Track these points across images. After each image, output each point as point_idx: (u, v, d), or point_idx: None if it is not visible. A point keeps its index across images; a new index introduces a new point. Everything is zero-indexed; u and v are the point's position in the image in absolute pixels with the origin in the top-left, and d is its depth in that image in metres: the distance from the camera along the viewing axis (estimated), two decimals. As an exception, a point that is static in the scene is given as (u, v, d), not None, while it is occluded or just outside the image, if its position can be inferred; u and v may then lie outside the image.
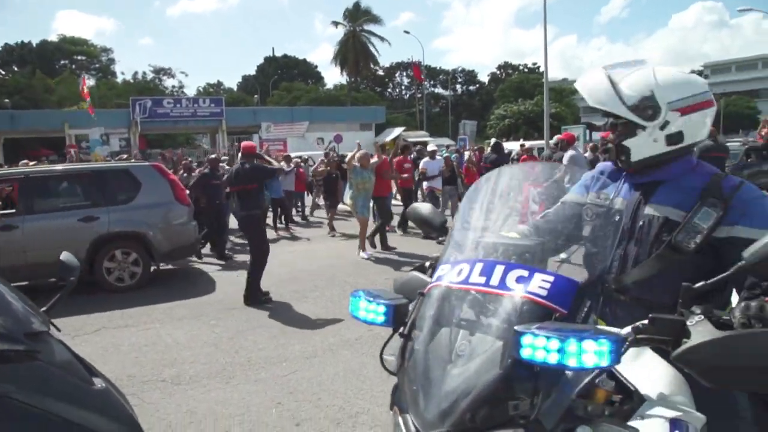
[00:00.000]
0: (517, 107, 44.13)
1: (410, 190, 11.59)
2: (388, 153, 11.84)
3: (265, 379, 4.20)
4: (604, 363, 1.11)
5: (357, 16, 46.50)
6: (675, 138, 1.67)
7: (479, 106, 64.78)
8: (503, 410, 1.22)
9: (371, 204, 9.64)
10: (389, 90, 73.98)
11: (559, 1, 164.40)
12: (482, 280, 1.38)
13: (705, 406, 1.36)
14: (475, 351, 1.32)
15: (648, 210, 1.70)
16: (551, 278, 1.35)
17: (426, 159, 11.81)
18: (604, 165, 1.94)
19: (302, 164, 15.40)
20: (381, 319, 1.56)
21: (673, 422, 1.25)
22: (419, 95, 48.79)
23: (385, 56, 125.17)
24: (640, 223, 1.71)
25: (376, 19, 47.01)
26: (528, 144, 15.21)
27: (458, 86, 74.27)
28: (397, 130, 35.62)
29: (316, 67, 77.84)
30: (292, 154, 16.95)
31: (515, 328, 1.16)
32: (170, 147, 51.96)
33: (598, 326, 1.30)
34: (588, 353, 1.10)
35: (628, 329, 1.25)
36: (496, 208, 1.74)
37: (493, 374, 1.24)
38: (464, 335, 1.36)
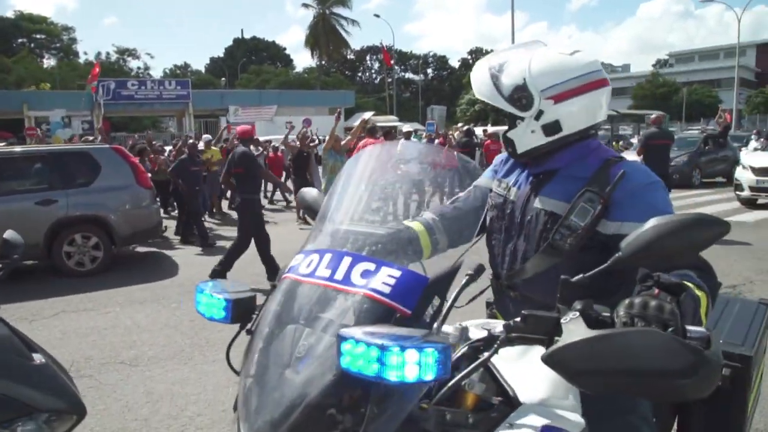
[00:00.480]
0: (486, 93, 44.35)
1: None
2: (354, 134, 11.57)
3: (223, 360, 4.23)
4: (429, 377, 0.95)
5: (326, -2, 46.08)
6: (551, 128, 1.55)
7: (449, 92, 64.99)
8: (330, 423, 1.07)
9: None
10: (360, 74, 73.64)
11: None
12: (327, 273, 1.22)
13: (598, 405, 1.26)
14: (312, 354, 1.15)
15: (536, 203, 1.59)
16: (398, 273, 1.18)
17: (402, 141, 11.52)
18: None
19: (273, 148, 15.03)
20: (221, 314, 1.40)
21: (545, 430, 1.14)
22: (390, 80, 48.69)
23: (356, 40, 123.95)
24: (528, 217, 1.61)
25: (345, 2, 46.58)
26: (492, 129, 15.35)
27: (429, 71, 74.34)
28: (367, 114, 35.57)
29: (285, 49, 76.87)
30: (261, 138, 16.73)
31: (339, 332, 1.00)
32: (136, 130, 50.92)
33: (438, 332, 1.11)
34: (410, 365, 0.94)
35: (499, 327, 1.14)
36: (359, 191, 1.54)
37: (325, 381, 1.08)
38: (307, 335, 1.18)
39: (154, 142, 13.95)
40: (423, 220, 1.73)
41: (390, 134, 11.75)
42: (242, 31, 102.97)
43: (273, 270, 6.42)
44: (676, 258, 1.10)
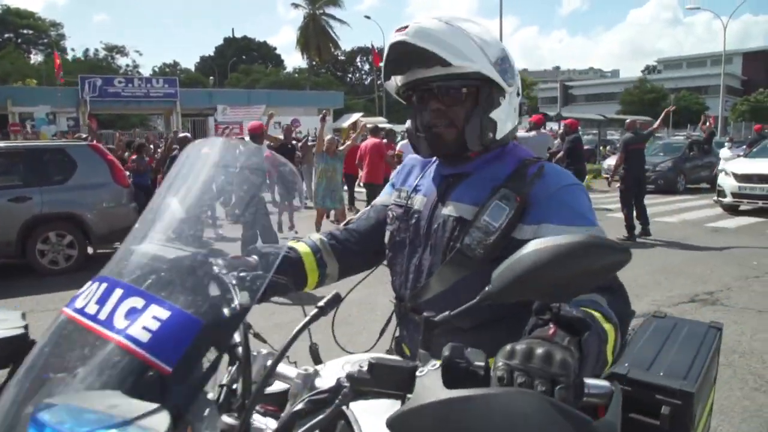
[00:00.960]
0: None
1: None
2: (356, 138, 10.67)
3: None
4: None
5: (317, -2, 46.00)
6: (520, 108, 1.40)
7: (439, 95, 64.99)
8: None
9: (343, 193, 9.21)
10: (350, 75, 73.58)
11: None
12: (94, 309, 0.91)
13: None
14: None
15: (444, 209, 1.37)
16: (166, 314, 0.86)
17: (404, 141, 9.96)
18: (413, 155, 1.55)
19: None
20: None
21: None
22: (379, 81, 48.71)
23: (347, 41, 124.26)
24: (435, 225, 1.38)
25: (336, 2, 46.53)
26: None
27: (419, 74, 74.24)
28: (355, 116, 35.45)
29: (276, 49, 76.70)
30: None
31: (35, 410, 0.72)
32: (123, 128, 50.50)
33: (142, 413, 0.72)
34: None
35: (342, 376, 0.90)
36: (173, 199, 1.12)
37: None
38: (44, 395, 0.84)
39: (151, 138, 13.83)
40: (308, 241, 1.51)
41: (378, 131, 10.83)
42: (233, 30, 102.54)
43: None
44: (564, 291, 0.83)
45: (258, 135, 7.10)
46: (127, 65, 66.51)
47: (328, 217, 9.62)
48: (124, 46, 65.28)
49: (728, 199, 11.50)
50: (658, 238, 8.85)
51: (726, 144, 12.24)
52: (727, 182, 11.43)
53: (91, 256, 7.74)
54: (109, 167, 7.71)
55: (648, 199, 13.63)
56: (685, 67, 74.19)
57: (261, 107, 36.86)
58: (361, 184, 10.62)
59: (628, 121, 10.14)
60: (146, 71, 68.67)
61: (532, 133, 9.01)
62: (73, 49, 67.36)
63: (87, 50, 66.22)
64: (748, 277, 6.48)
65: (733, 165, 11.66)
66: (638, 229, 8.95)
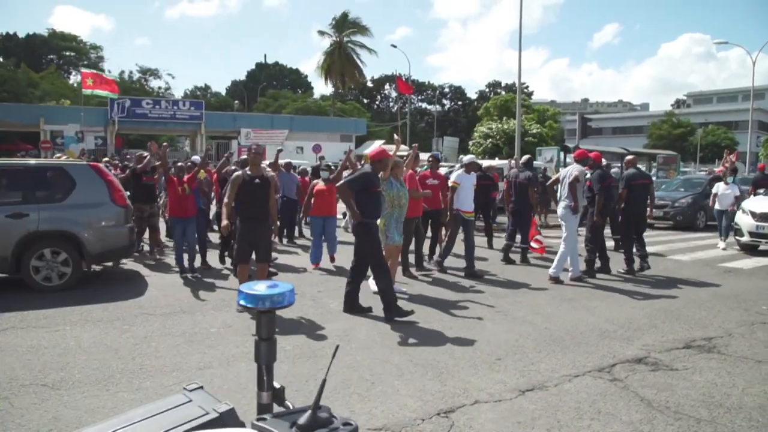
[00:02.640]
0: (500, 126, 44.37)
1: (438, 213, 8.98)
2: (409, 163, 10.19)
3: (147, 388, 4.07)
4: None
5: (344, 26, 46.60)
6: None
7: (465, 123, 65.08)
8: None
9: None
10: (377, 102, 74.23)
11: (554, 24, 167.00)
12: None
13: None
14: None
15: None
16: None
17: (459, 171, 8.84)
18: None
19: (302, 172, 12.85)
20: None
21: None
22: (405, 110, 48.97)
23: (377, 68, 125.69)
24: None
25: (364, 30, 47.17)
26: (486, 163, 15.15)
27: (446, 102, 74.67)
28: (377, 143, 35.62)
29: (307, 76, 77.96)
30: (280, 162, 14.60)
31: None
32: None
33: None
34: None
35: None
36: None
37: None
38: None
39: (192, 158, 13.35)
40: None
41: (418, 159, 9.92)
42: (265, 56, 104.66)
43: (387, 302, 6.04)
44: None
45: (378, 161, 6.38)
46: (160, 87, 68.32)
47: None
48: (158, 69, 67.11)
49: (746, 238, 11.08)
50: (664, 277, 8.53)
51: (729, 179, 11.78)
52: (744, 221, 11.02)
53: (85, 274, 7.76)
54: (108, 187, 7.75)
55: (665, 236, 13.36)
56: (715, 102, 73.11)
57: (284, 132, 37.41)
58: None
59: (629, 158, 10.02)
60: (179, 93, 70.46)
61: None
62: (109, 71, 68.99)
63: (122, 72, 68.18)
64: (754, 323, 6.14)
65: (751, 203, 11.25)
66: (637, 263, 8.72)
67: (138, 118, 34.01)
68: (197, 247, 8.71)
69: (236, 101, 63.33)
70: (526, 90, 69.46)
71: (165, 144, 8.97)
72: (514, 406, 3.83)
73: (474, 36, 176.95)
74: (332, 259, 9.12)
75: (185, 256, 8.35)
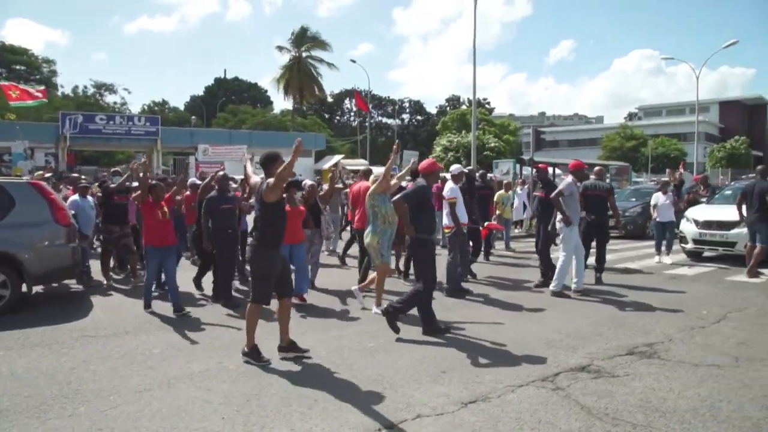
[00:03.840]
0: (459, 139, 44.94)
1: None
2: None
3: (80, 414, 3.92)
4: None
5: (303, 41, 46.59)
6: None
7: (425, 137, 65.77)
8: None
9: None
10: (338, 117, 74.35)
11: (512, 40, 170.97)
12: None
13: None
14: None
15: None
16: None
17: (452, 185, 8.21)
18: None
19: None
20: None
21: None
22: (366, 124, 49.18)
23: (338, 84, 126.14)
24: None
25: (323, 46, 47.24)
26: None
27: (406, 117, 75.34)
28: (336, 158, 35.63)
29: (267, 91, 77.49)
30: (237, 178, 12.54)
31: None
32: (108, 165, 50.25)
33: None
34: None
35: None
36: None
37: None
38: None
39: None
40: None
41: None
42: (225, 71, 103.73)
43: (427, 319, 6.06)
44: None
45: (430, 174, 6.30)
46: (115, 103, 66.78)
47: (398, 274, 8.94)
48: (113, 84, 65.60)
49: (690, 246, 11.46)
50: (613, 285, 8.72)
51: (670, 189, 11.77)
52: (688, 229, 11.41)
53: (25, 296, 7.46)
54: (50, 206, 7.50)
55: (615, 245, 13.67)
56: (664, 115, 75.96)
57: (243, 147, 36.99)
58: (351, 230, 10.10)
59: (596, 168, 10.01)
60: (135, 109, 69.06)
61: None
62: (62, 86, 67.16)
63: (76, 87, 66.48)
64: (693, 327, 6.33)
65: (694, 212, 11.66)
66: (594, 275, 8.88)
67: (91, 134, 33.12)
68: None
69: (193, 117, 62.42)
70: (487, 105, 70.77)
71: (144, 160, 7.70)
72: (456, 419, 3.83)
73: (434, 52, 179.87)
74: (302, 299, 7.44)
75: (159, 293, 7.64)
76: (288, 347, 5.14)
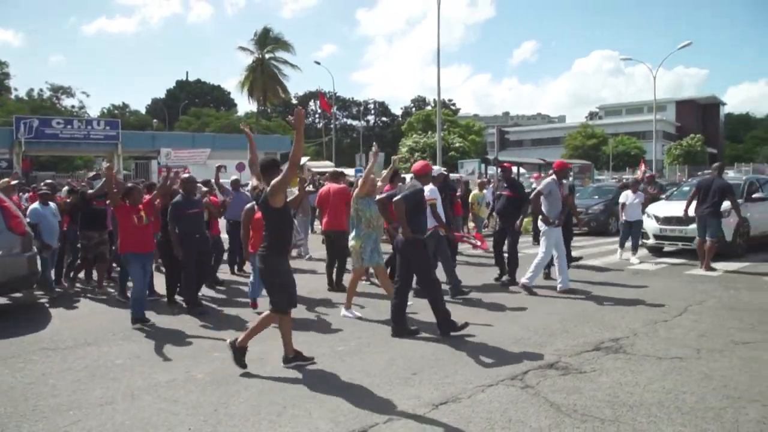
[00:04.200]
0: (426, 140, 45.20)
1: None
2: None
3: (38, 432, 3.77)
4: None
5: (266, 42, 46.14)
6: None
7: (391, 138, 65.90)
8: None
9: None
10: (303, 119, 73.80)
11: (476, 42, 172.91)
12: None
13: None
14: None
15: None
16: None
17: (432, 187, 7.61)
18: None
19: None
20: None
21: None
22: (331, 126, 49.00)
23: (303, 85, 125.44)
24: None
25: (286, 47, 46.86)
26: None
27: (372, 118, 75.39)
28: (302, 160, 35.42)
29: (230, 93, 76.57)
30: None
31: None
32: (66, 170, 48.85)
33: None
34: None
35: None
36: None
37: None
38: None
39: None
40: None
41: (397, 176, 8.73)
42: (187, 73, 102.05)
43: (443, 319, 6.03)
44: None
45: (424, 176, 6.35)
46: (73, 106, 65.00)
47: (366, 278, 8.73)
48: (71, 87, 63.80)
49: (651, 241, 11.74)
50: (578, 281, 8.85)
51: (640, 187, 11.93)
52: (649, 224, 11.68)
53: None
54: (2, 214, 7.23)
55: (579, 241, 13.90)
56: (624, 114, 78.02)
57: (206, 151, 36.44)
58: (320, 232, 10.07)
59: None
60: (94, 112, 67.30)
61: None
62: (15, 89, 65.12)
63: (31, 90, 64.39)
64: (656, 321, 6.47)
65: (655, 208, 11.94)
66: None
67: (48, 139, 32.15)
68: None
69: (155, 120, 61.16)
70: (452, 105, 71.38)
71: (109, 164, 7.06)
72: (427, 421, 3.82)
73: (399, 53, 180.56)
74: (254, 305, 7.36)
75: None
76: (292, 357, 5.01)
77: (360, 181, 7.32)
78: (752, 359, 5.09)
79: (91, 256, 8.71)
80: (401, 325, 6.04)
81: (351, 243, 7.05)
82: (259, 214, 6.28)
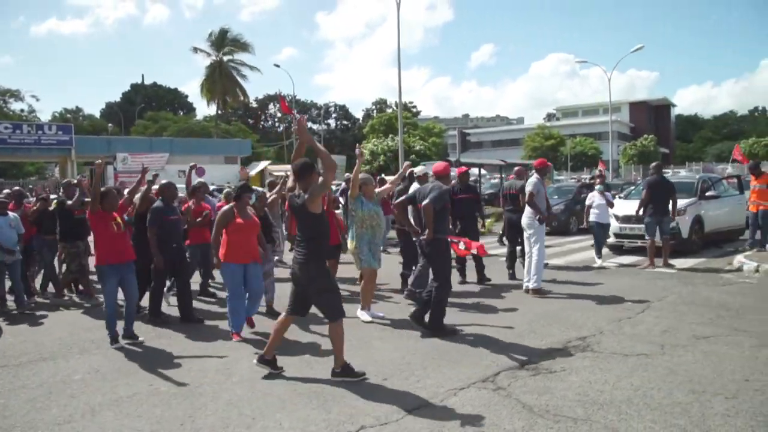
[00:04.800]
0: (388, 143, 45.20)
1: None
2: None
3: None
4: None
5: (223, 44, 45.44)
6: None
7: (352, 141, 65.76)
8: None
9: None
10: (263, 123, 73.07)
11: (435, 45, 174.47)
12: None
13: None
14: None
15: None
16: None
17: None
18: None
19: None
20: None
21: None
22: (291, 129, 48.52)
23: (262, 89, 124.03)
24: None
25: (245, 48, 46.23)
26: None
27: (333, 121, 75.12)
28: (263, 164, 34.96)
29: (188, 97, 75.17)
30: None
31: None
32: (17, 177, 46.96)
33: None
34: None
35: None
36: None
37: None
38: None
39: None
40: None
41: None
42: (143, 76, 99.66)
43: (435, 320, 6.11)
44: None
45: (444, 176, 6.37)
46: (22, 110, 62.51)
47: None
48: (19, 90, 61.26)
49: (612, 239, 11.99)
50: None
51: (597, 187, 11.76)
52: (610, 223, 11.91)
53: None
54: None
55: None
56: (580, 115, 79.98)
57: (164, 155, 35.59)
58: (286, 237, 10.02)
59: (515, 169, 10.51)
60: (45, 117, 64.97)
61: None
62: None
63: (-25, 94, 61.62)
64: (621, 318, 6.58)
65: (615, 207, 12.18)
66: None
67: (-6, 145, 30.85)
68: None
69: (110, 124, 59.47)
70: (413, 108, 71.72)
71: (99, 162, 6.50)
72: (401, 428, 3.76)
73: (359, 56, 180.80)
74: (251, 326, 6.59)
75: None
76: (267, 362, 4.92)
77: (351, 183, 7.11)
78: (713, 353, 5.22)
79: (85, 263, 8.40)
80: (441, 326, 6.19)
81: (349, 245, 7.04)
82: (239, 219, 6.08)
